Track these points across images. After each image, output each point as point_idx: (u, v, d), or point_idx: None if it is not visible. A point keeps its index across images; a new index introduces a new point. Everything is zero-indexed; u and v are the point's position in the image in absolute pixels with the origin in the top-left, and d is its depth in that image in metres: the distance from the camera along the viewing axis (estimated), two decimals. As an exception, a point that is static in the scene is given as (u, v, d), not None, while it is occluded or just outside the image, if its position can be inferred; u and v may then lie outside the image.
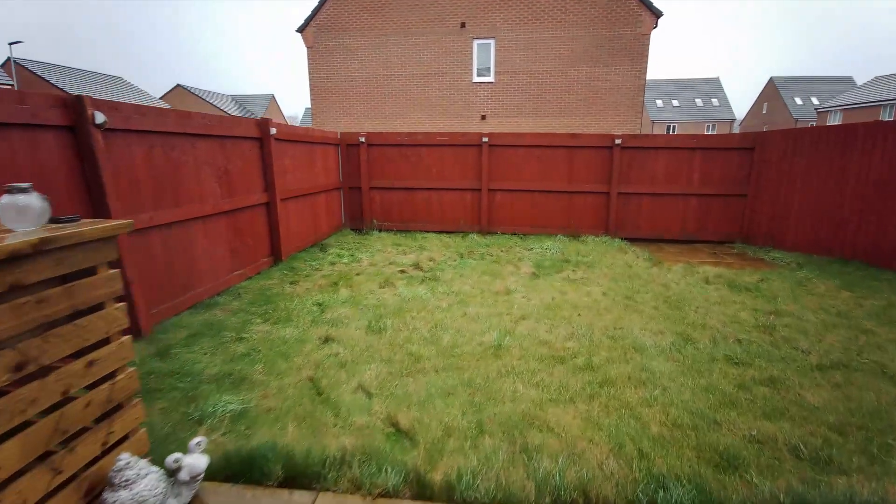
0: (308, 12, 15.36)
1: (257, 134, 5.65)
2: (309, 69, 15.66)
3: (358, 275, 5.80)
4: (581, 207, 8.42)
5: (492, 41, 14.54)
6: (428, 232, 8.71)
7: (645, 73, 14.01)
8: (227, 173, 5.06)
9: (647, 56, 13.89)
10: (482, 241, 8.00)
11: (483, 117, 15.14)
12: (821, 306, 4.68)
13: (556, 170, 8.32)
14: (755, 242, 7.89)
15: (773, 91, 49.12)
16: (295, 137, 6.74)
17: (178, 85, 46.81)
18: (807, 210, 7.07)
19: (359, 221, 8.96)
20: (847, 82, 47.32)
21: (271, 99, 55.72)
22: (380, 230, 8.81)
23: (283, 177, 6.29)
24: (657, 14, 13.71)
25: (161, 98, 44.68)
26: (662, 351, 3.57)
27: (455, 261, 6.52)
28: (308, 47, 15.50)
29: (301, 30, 15.39)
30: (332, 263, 6.35)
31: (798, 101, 46.63)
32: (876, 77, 36.76)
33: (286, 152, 6.46)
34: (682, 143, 7.98)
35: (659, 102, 52.48)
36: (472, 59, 14.74)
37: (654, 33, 13.94)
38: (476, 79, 14.90)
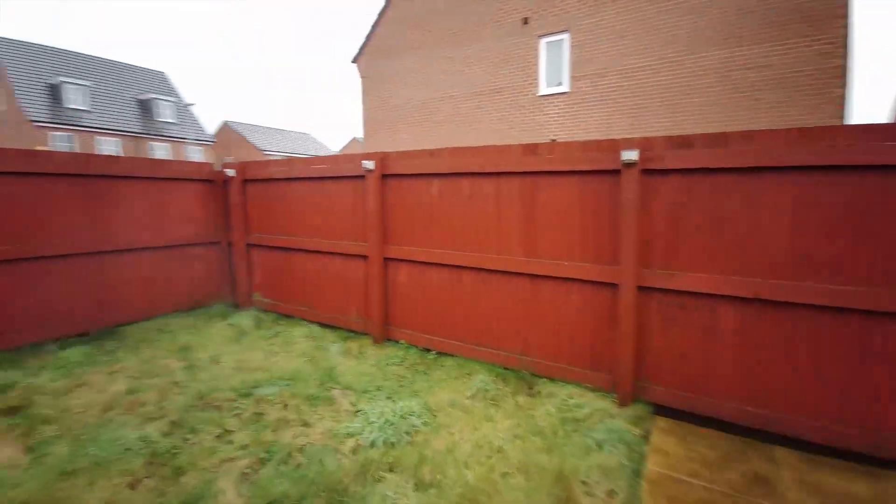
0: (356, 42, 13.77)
1: None
2: (363, 100, 13.91)
3: None
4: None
5: (565, 36, 10.19)
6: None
7: (843, 45, 7.51)
8: None
9: (844, 17, 7.45)
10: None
11: (553, 142, 10.62)
12: None
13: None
14: None
15: None
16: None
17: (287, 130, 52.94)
18: None
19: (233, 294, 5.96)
20: None
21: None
22: (264, 310, 5.62)
23: None
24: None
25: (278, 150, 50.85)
26: None
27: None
28: (362, 77, 13.82)
29: (355, 59, 13.85)
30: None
31: None
32: None
33: None
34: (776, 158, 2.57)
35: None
36: (537, 64, 10.61)
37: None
38: (544, 90, 10.64)
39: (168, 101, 31.84)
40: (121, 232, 4.92)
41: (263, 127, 42.18)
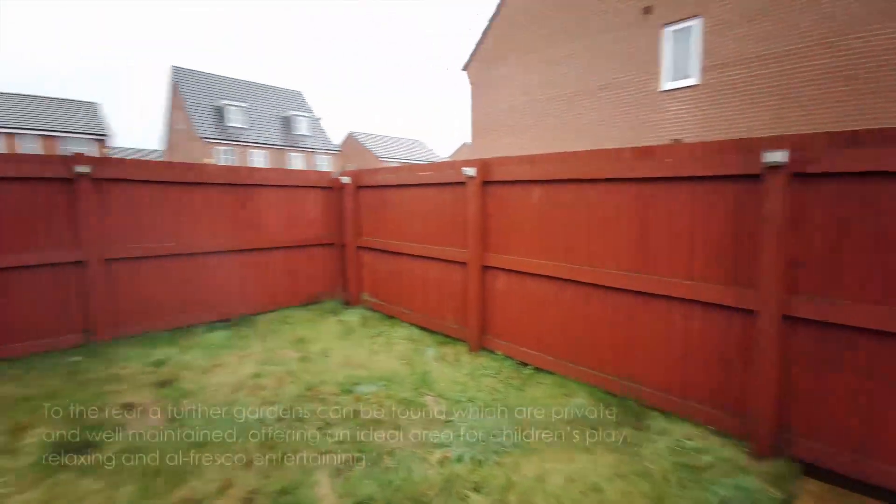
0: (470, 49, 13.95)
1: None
2: (472, 107, 14.10)
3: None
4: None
5: (695, 22, 9.09)
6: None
7: None
8: None
9: None
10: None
11: (673, 144, 9.54)
12: None
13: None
14: None
15: None
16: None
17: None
18: None
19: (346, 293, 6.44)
20: None
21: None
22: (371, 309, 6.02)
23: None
24: None
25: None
26: None
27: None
28: (471, 84, 14.03)
29: (465, 67, 14.10)
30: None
31: None
32: None
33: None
34: None
35: None
36: (659, 56, 9.64)
37: None
38: (667, 85, 9.63)
39: (304, 116, 36.14)
40: (260, 233, 5.63)
41: (381, 136, 45.48)
